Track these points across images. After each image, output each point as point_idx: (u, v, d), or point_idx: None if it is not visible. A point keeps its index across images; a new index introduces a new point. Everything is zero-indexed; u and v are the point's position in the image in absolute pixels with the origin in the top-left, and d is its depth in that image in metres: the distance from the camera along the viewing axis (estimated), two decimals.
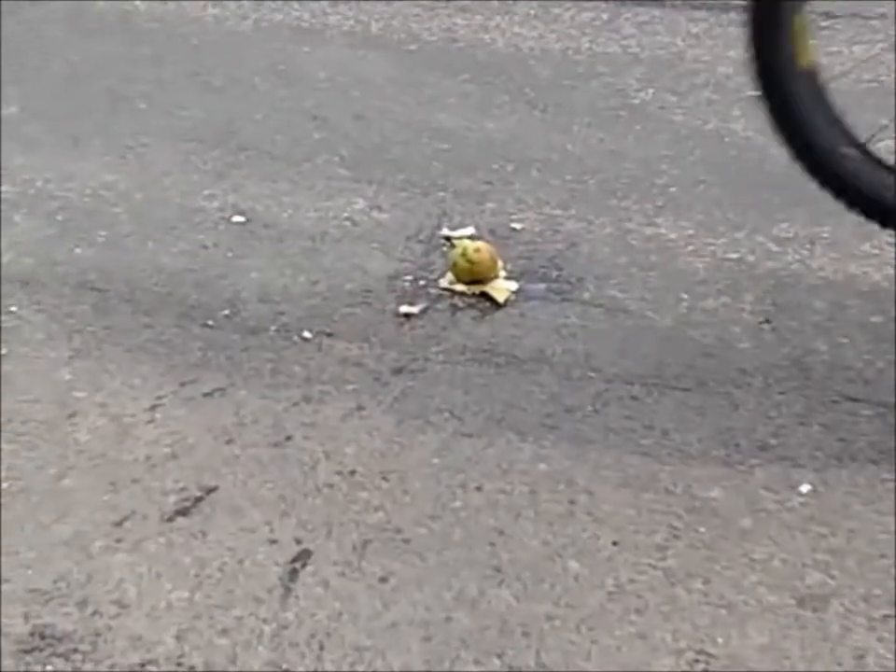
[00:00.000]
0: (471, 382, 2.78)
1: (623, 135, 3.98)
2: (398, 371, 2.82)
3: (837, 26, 4.87)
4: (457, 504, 2.42)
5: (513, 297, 3.08)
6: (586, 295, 3.11)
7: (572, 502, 2.43)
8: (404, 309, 3.03)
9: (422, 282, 3.16)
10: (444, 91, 4.29)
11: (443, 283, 3.13)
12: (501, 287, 3.11)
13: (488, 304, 3.07)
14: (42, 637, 2.12)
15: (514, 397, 2.73)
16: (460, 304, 3.07)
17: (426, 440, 2.59)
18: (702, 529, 2.37)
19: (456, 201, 3.56)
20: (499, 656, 2.09)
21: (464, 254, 3.10)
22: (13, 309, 3.03)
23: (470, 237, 3.28)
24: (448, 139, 3.93)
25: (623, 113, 4.14)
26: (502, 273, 3.16)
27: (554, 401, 2.72)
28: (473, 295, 3.09)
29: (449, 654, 2.09)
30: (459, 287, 3.11)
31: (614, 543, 2.33)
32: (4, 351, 2.87)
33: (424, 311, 3.04)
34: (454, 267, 3.11)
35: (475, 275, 3.10)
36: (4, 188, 3.60)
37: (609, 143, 3.92)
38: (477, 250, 3.11)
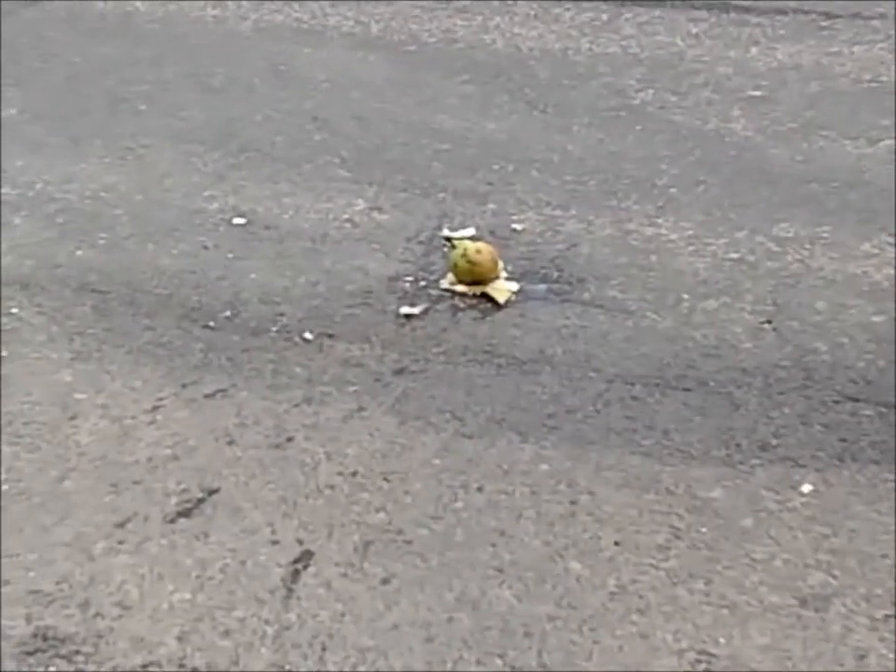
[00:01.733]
0: (472, 382, 2.78)
1: (624, 136, 3.98)
2: (399, 372, 2.82)
3: (837, 26, 4.88)
4: (459, 505, 2.42)
5: (514, 297, 3.09)
6: (587, 296, 3.11)
7: (574, 503, 2.43)
8: (405, 310, 3.03)
9: (422, 283, 3.16)
10: (444, 91, 4.30)
11: (444, 284, 3.13)
12: (502, 288, 3.11)
13: (489, 305, 3.07)
14: (44, 638, 2.11)
15: (515, 397, 2.73)
16: (461, 305, 3.07)
17: (427, 440, 2.59)
18: (703, 529, 2.37)
19: (457, 201, 3.56)
20: (501, 656, 2.09)
21: (464, 255, 3.10)
22: (14, 311, 3.03)
23: (472, 238, 3.29)
24: (448, 140, 3.94)
25: (623, 113, 4.15)
26: (503, 274, 3.16)
27: (555, 402, 2.72)
28: (474, 296, 3.09)
29: (451, 655, 2.09)
30: (460, 288, 3.11)
31: (616, 544, 2.33)
32: (4, 353, 2.87)
33: (424, 312, 3.04)
34: (454, 268, 3.11)
35: (476, 276, 3.10)
36: (4, 190, 3.59)
37: (609, 143, 3.92)
38: (478, 251, 3.11)
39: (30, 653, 2.08)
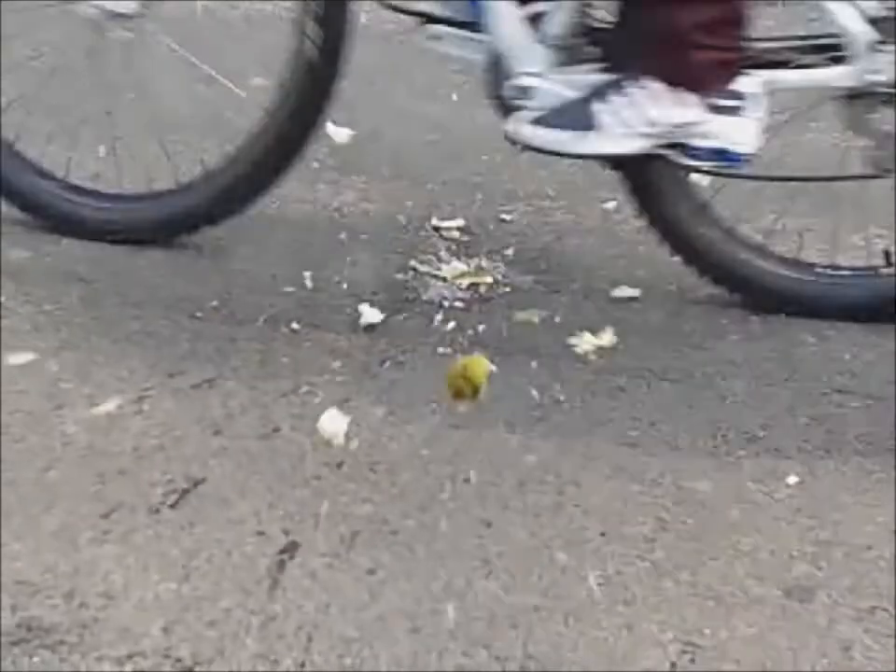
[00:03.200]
0: None
1: None
2: (386, 363, 2.81)
3: None
4: (445, 496, 2.42)
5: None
6: (574, 287, 3.11)
7: (560, 494, 2.43)
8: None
9: (411, 273, 3.15)
10: (434, 81, 4.28)
11: (430, 270, 3.12)
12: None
13: (477, 295, 3.07)
14: (29, 629, 2.11)
15: (502, 388, 2.73)
16: (449, 296, 3.07)
17: (414, 431, 2.59)
18: (689, 521, 2.37)
19: (446, 192, 3.55)
20: (487, 648, 2.09)
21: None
22: (1, 300, 3.01)
23: (460, 228, 3.28)
24: (438, 130, 3.93)
25: None
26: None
27: (543, 393, 2.72)
28: (462, 288, 3.09)
29: (436, 646, 2.09)
30: (448, 276, 3.10)
31: (602, 535, 2.33)
32: None
33: (412, 302, 3.04)
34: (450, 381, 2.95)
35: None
36: None
37: None
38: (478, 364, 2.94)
39: (14, 644, 2.08)
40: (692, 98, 2.69)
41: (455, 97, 4.17)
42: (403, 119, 3.99)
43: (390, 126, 3.94)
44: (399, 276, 3.14)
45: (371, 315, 2.95)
